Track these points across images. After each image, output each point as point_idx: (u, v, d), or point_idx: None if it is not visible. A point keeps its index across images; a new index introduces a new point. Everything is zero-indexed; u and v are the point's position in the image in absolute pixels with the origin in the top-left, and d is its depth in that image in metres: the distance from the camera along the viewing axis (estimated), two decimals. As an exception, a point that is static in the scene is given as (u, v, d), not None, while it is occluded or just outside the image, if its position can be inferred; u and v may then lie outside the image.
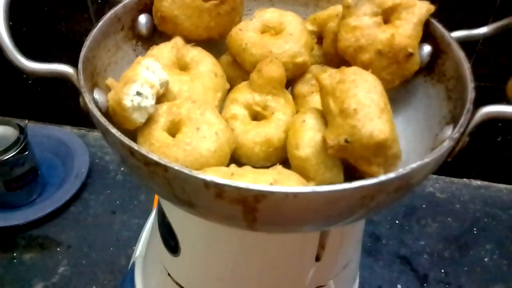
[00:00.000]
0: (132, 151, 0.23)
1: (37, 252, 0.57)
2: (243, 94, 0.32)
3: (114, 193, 0.65)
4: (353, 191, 0.22)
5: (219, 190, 0.22)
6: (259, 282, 0.31)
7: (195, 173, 0.22)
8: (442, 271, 0.58)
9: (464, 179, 0.70)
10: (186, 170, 0.22)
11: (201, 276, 0.32)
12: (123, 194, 0.65)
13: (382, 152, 0.27)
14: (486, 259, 0.60)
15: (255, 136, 0.30)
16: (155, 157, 0.22)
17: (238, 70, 0.35)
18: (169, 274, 0.34)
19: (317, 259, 0.31)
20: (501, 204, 0.67)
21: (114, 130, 0.24)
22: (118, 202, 0.64)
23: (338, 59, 0.34)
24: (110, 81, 0.30)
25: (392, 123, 0.28)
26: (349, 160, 0.28)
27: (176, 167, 0.22)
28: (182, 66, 0.34)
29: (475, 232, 0.63)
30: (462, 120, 0.27)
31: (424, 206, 0.66)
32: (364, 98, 0.27)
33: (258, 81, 0.32)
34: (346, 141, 0.26)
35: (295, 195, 0.22)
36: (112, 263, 0.56)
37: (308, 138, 0.28)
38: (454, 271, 0.58)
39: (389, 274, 0.57)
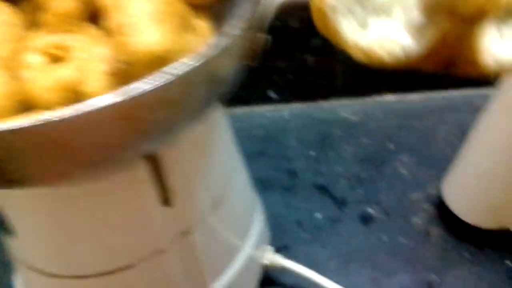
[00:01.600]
0: None
1: None
2: (38, 39, 0.29)
3: None
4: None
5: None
6: (107, 243, 0.28)
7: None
8: (360, 191, 0.57)
9: (377, 97, 0.69)
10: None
11: (41, 251, 0.30)
12: None
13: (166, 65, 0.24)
14: (403, 171, 0.59)
15: (45, 81, 0.27)
16: None
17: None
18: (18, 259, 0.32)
19: (167, 203, 0.29)
20: (415, 114, 0.66)
21: None
22: None
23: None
24: None
25: (179, 33, 0.25)
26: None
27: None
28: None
29: (390, 146, 0.62)
30: (242, 11, 0.24)
31: (338, 132, 0.65)
32: (135, 9, 0.24)
33: (50, 20, 0.29)
34: (125, 62, 0.24)
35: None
36: None
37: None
38: (371, 189, 0.57)
39: (307, 205, 0.56)
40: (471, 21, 0.22)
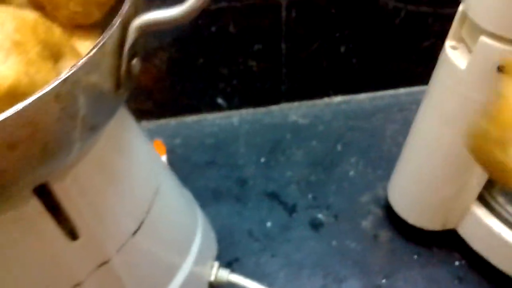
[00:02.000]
0: None
1: None
2: None
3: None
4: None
5: None
6: (11, 283, 0.27)
7: None
8: (310, 196, 0.57)
9: (325, 99, 0.69)
10: None
11: None
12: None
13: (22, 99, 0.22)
14: (351, 173, 0.59)
15: None
16: None
17: None
18: None
19: (74, 236, 0.27)
20: (363, 114, 0.67)
21: None
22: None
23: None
24: None
25: (33, 62, 0.23)
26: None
27: None
28: None
29: (339, 149, 0.62)
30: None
31: (288, 136, 0.65)
32: None
33: None
34: None
35: None
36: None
37: None
38: (321, 193, 0.57)
39: (258, 214, 0.56)
40: None
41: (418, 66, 0.66)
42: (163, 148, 0.59)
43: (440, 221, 0.48)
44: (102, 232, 0.29)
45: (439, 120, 0.41)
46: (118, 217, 0.30)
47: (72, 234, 0.27)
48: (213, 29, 0.58)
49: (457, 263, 0.50)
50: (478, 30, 0.34)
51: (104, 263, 0.30)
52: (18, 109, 0.19)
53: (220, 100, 0.66)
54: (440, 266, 0.49)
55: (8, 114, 0.19)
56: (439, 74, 0.39)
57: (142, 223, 0.33)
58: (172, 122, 0.68)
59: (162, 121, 0.67)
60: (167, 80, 0.63)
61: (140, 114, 0.63)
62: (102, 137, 0.28)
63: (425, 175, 0.45)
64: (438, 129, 0.41)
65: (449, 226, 0.48)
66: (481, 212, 0.45)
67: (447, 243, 0.51)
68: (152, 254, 0.34)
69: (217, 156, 0.63)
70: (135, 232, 0.32)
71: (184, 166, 0.61)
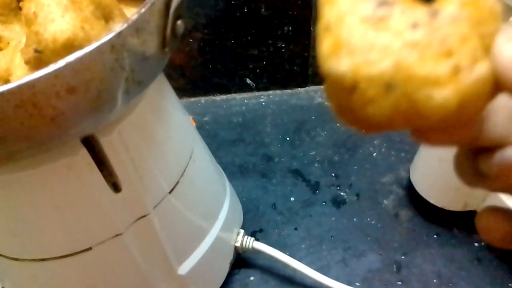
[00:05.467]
0: None
1: None
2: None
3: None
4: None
5: None
6: (62, 228, 0.29)
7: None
8: (333, 174, 0.59)
9: (352, 83, 0.70)
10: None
11: (2, 236, 0.31)
12: None
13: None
14: (374, 154, 0.61)
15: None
16: None
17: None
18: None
19: (117, 189, 0.30)
20: (388, 98, 0.67)
21: None
22: None
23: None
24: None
25: (88, 19, 0.25)
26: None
27: None
28: None
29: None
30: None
31: (313, 117, 0.66)
32: None
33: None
34: (37, 51, 0.24)
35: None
36: None
37: None
38: (344, 172, 0.59)
39: (282, 189, 0.57)
40: None
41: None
42: (193, 125, 0.62)
43: (461, 202, 0.49)
44: (142, 188, 0.31)
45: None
46: (156, 175, 0.32)
47: (115, 187, 0.30)
48: (245, 10, 0.59)
49: (476, 244, 0.51)
50: None
51: (143, 217, 0.32)
52: (79, 56, 0.21)
53: (248, 81, 0.68)
54: (460, 247, 0.50)
55: (70, 60, 0.21)
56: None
57: (177, 183, 0.35)
58: (202, 100, 0.70)
59: (193, 99, 0.70)
60: (199, 59, 0.65)
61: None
62: (145, 98, 0.30)
63: (449, 155, 0.46)
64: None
65: (471, 207, 0.49)
66: (504, 194, 0.46)
67: (468, 225, 0.52)
68: (185, 214, 0.37)
69: (244, 134, 0.65)
70: (170, 191, 0.34)
71: (212, 142, 0.63)
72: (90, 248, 0.30)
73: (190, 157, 0.36)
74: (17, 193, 0.26)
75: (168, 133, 0.33)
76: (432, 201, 0.50)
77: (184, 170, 0.35)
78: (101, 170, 0.28)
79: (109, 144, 0.27)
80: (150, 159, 0.31)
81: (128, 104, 0.27)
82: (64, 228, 0.29)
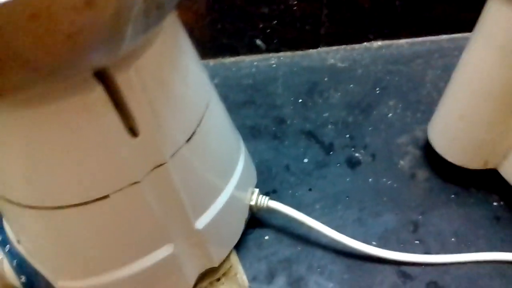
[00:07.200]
0: None
1: None
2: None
3: None
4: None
5: None
6: (71, 174, 0.28)
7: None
8: (347, 136, 0.57)
9: (365, 43, 0.68)
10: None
11: (13, 182, 0.30)
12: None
13: None
14: (390, 115, 0.59)
15: None
16: None
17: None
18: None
19: (134, 133, 0.28)
20: (403, 59, 0.66)
21: None
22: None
23: None
24: None
25: None
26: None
27: None
28: None
29: (377, 92, 0.62)
30: None
31: (326, 79, 0.64)
32: None
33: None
34: None
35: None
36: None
37: None
38: (358, 133, 0.57)
39: (295, 151, 0.56)
40: None
41: (463, 11, 0.64)
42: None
43: (481, 160, 0.47)
44: (159, 133, 0.29)
45: (487, 56, 0.40)
46: (173, 121, 0.30)
47: (132, 131, 0.28)
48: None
49: (495, 203, 0.50)
50: None
51: (160, 165, 0.31)
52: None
53: (259, 42, 0.66)
54: (478, 206, 0.49)
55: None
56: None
57: (194, 133, 0.33)
58: (210, 63, 0.68)
59: (202, 62, 0.68)
60: (207, 18, 0.63)
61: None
62: (161, 37, 0.29)
63: (470, 112, 0.44)
64: (489, 62, 0.40)
65: (490, 165, 0.48)
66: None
67: (486, 185, 0.50)
68: (201, 167, 0.35)
69: (255, 96, 0.63)
70: (187, 140, 0.33)
71: (222, 104, 0.62)
72: (107, 196, 0.28)
73: (207, 107, 0.35)
74: (32, 133, 0.25)
75: (185, 78, 0.31)
76: (450, 159, 0.49)
77: (201, 120, 0.34)
78: (118, 111, 0.27)
79: (126, 82, 0.26)
80: (167, 103, 0.29)
81: (146, 35, 0.25)
82: (81, 173, 0.28)
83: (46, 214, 0.28)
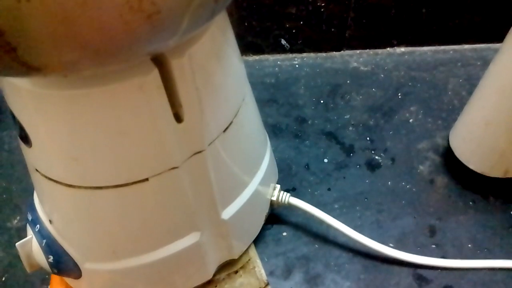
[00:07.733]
0: None
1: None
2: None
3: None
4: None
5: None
6: (120, 155, 0.28)
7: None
8: (368, 139, 0.58)
9: (388, 49, 0.68)
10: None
11: (57, 160, 0.30)
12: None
13: None
14: (411, 120, 0.60)
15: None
16: None
17: None
18: (36, 169, 0.32)
19: (178, 119, 0.29)
20: (425, 66, 0.66)
21: None
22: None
23: None
24: None
25: None
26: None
27: None
28: None
29: (399, 97, 0.62)
30: None
31: (348, 81, 0.65)
32: None
33: None
34: None
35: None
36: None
37: None
38: (379, 137, 0.58)
39: (315, 151, 0.57)
40: None
41: (489, 22, 0.64)
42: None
43: (502, 168, 0.48)
44: (202, 121, 0.30)
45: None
46: (215, 110, 0.31)
47: (177, 117, 0.29)
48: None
49: (512, 213, 0.50)
50: None
51: (198, 152, 0.32)
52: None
53: (283, 41, 0.67)
54: (495, 214, 0.50)
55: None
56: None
57: (231, 123, 0.34)
58: (234, 60, 0.69)
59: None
60: (235, 16, 0.64)
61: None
62: (212, 27, 0.29)
63: (497, 120, 0.45)
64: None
65: (511, 174, 0.48)
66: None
67: (505, 193, 0.51)
68: (234, 157, 0.36)
69: (277, 95, 0.64)
70: (225, 130, 0.34)
71: (245, 100, 0.62)
72: (146, 179, 0.29)
73: (243, 99, 0.35)
74: (83, 112, 0.26)
75: (229, 69, 0.32)
76: (472, 166, 0.49)
77: (237, 112, 0.34)
78: (168, 96, 0.27)
79: (179, 68, 0.27)
80: (211, 91, 0.30)
81: (205, 23, 0.26)
82: (125, 155, 0.28)
83: (85, 194, 0.29)
